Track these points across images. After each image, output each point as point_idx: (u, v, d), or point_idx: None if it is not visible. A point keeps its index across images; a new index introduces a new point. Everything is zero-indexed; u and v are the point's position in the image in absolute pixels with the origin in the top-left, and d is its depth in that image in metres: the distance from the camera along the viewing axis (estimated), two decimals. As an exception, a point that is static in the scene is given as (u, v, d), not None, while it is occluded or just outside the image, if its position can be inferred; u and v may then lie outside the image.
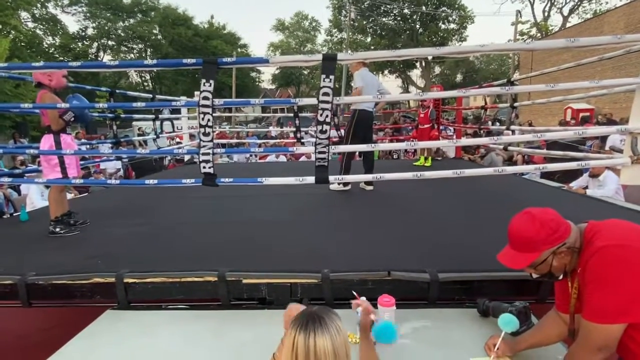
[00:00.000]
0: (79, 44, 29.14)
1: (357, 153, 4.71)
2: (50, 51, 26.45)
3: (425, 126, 6.01)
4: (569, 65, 3.35)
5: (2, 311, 3.06)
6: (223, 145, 8.61)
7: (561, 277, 1.33)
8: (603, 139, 7.14)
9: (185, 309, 2.01)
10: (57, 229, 2.78)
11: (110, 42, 30.69)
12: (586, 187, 4.37)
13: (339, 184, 4.02)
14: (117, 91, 5.27)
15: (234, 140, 11.20)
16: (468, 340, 1.65)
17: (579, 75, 12.20)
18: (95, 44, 30.30)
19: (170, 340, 1.74)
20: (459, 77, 36.06)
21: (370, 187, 4.18)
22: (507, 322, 1.53)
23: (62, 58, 25.47)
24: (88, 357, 1.64)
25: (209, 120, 2.32)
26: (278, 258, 2.27)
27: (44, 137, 2.75)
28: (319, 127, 2.33)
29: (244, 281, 2.00)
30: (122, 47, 31.01)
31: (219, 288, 1.99)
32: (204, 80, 2.29)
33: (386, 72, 32.03)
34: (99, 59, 28.45)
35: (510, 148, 4.41)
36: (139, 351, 1.67)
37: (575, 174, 5.19)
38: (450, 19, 29.37)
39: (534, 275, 1.36)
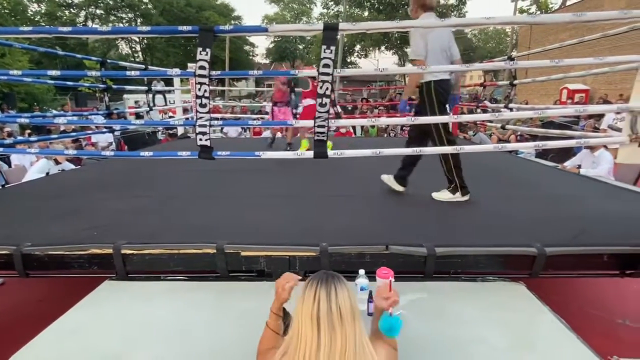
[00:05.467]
0: (66, 12, 28.04)
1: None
2: (36, 19, 25.46)
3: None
4: (571, 42, 3.31)
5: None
6: (216, 119, 8.51)
7: None
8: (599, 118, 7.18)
9: (184, 280, 2.03)
10: None
11: (98, 11, 29.57)
12: (579, 167, 4.41)
13: (453, 192, 2.77)
14: (108, 61, 5.11)
15: (229, 115, 11.04)
16: (463, 313, 1.69)
17: (577, 55, 12.08)
18: (82, 13, 29.18)
19: (169, 309, 1.76)
20: (456, 55, 35.58)
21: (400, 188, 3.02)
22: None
23: (48, 27, 24.54)
24: (87, 326, 1.65)
25: (205, 91, 2.26)
26: (276, 231, 2.27)
27: None
28: (319, 100, 2.29)
29: (243, 253, 2.00)
30: (110, 17, 29.91)
31: (218, 260, 1.99)
32: (200, 49, 2.22)
33: (383, 48, 31.44)
34: (87, 28, 27.47)
35: (508, 126, 4.40)
36: (138, 319, 1.69)
37: (568, 154, 5.22)
38: (450, -7, 28.68)
39: None
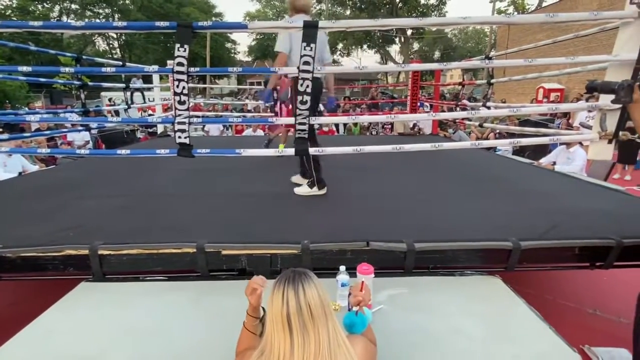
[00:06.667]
0: (39, 6, 27.04)
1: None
2: (7, 13, 24.48)
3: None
4: (545, 42, 3.40)
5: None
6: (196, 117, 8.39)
7: None
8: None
9: (163, 280, 2.00)
10: None
11: (73, 6, 28.64)
12: (554, 163, 4.55)
13: (310, 186, 2.97)
14: (84, 57, 4.96)
15: (210, 113, 10.89)
16: (441, 306, 1.72)
17: (553, 55, 12.45)
18: (57, 7, 28.22)
19: (147, 310, 1.73)
20: (436, 54, 36.08)
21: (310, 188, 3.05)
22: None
23: (19, 21, 23.61)
24: (62, 329, 1.61)
25: (184, 87, 2.23)
26: (257, 229, 2.26)
27: None
28: (300, 98, 2.29)
29: (223, 252, 1.98)
30: (86, 12, 29.03)
31: (198, 259, 1.97)
32: (178, 45, 2.18)
33: (365, 46, 31.67)
34: (62, 23, 26.55)
35: (485, 125, 4.50)
36: (115, 321, 1.65)
37: (544, 151, 5.39)
38: (430, -7, 29.10)
39: None
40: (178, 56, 2.19)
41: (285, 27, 2.34)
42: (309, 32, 2.17)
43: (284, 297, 0.97)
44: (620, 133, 2.34)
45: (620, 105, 2.19)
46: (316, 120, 2.44)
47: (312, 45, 2.19)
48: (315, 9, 31.37)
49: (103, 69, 2.43)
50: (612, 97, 2.14)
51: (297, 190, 3.00)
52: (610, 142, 2.38)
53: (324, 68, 2.41)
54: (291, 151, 2.45)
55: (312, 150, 2.46)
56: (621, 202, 2.76)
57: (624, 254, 2.06)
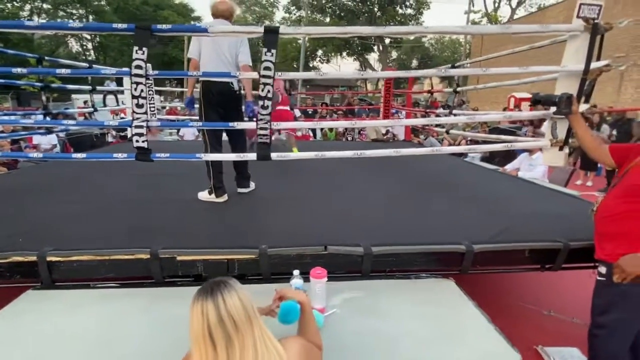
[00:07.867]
0: (8, 5, 26.10)
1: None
2: (-27, 11, 23.55)
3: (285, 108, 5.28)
4: (506, 52, 3.54)
5: None
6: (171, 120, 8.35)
7: None
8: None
9: (115, 287, 1.95)
10: None
11: (45, 5, 27.76)
12: (518, 170, 4.70)
13: (210, 192, 2.90)
14: (51, 59, 4.80)
15: (186, 117, 10.73)
16: (396, 309, 1.74)
17: (527, 64, 12.92)
18: (27, 7, 27.29)
19: (97, 318, 1.68)
20: (414, 63, 36.79)
21: (246, 189, 3.16)
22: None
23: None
24: (3, 339, 1.54)
25: (142, 90, 2.19)
26: (214, 234, 2.24)
27: None
28: (261, 103, 2.29)
29: (179, 258, 1.95)
30: (59, 12, 28.17)
31: (152, 265, 1.93)
32: (136, 48, 2.15)
33: (344, 54, 31.99)
34: (32, 23, 25.63)
35: (452, 132, 4.61)
36: (62, 331, 1.59)
37: (512, 158, 5.56)
38: (408, 3, 29.71)
39: None
40: (136, 59, 2.17)
41: (246, 32, 2.34)
42: (269, 37, 2.18)
43: (203, 312, 0.93)
44: (570, 140, 2.45)
45: (564, 115, 2.29)
46: (277, 126, 2.44)
47: (273, 50, 2.21)
48: (295, 15, 31.53)
49: (57, 70, 2.37)
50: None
51: (199, 194, 2.95)
52: (561, 149, 2.49)
53: (286, 74, 2.41)
54: (253, 156, 2.45)
55: (275, 156, 2.45)
56: (574, 206, 2.87)
57: (572, 256, 2.14)
